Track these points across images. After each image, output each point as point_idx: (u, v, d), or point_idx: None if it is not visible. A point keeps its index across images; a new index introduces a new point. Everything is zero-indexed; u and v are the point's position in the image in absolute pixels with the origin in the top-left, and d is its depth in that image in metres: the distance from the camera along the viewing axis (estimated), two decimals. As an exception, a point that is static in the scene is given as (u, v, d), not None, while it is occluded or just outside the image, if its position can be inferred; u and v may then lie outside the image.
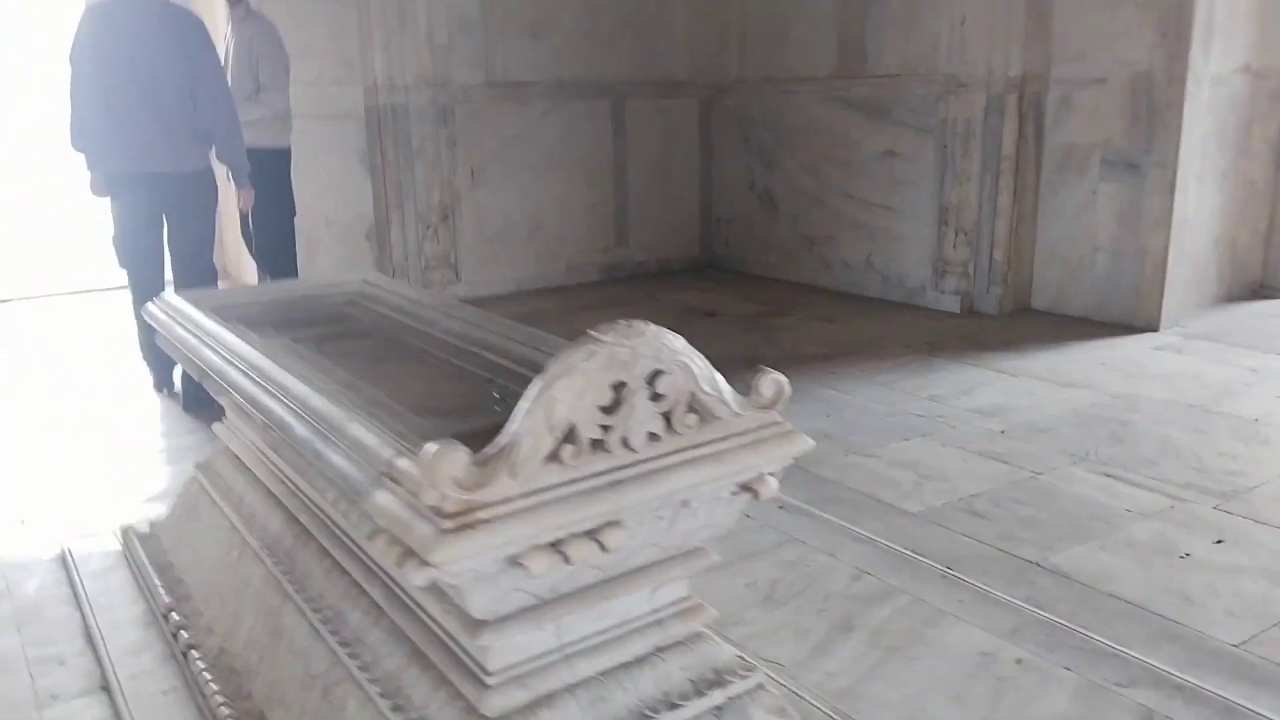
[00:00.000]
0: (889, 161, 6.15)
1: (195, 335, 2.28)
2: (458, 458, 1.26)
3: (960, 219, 5.79)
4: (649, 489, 1.41)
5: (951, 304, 5.88)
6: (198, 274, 4.24)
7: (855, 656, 2.29)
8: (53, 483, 3.46)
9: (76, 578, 2.66)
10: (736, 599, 2.54)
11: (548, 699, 1.52)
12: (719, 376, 1.52)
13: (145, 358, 4.43)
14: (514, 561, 1.32)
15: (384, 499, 1.35)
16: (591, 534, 1.38)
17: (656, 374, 1.41)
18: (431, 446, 1.26)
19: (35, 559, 2.83)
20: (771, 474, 1.59)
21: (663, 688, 1.61)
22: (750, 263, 7.27)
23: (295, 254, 5.74)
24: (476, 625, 1.43)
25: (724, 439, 1.51)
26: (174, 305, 2.51)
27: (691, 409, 1.47)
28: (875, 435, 3.79)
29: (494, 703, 1.47)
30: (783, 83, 6.77)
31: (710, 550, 1.68)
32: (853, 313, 5.95)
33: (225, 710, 1.97)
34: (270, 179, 5.29)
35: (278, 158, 5.44)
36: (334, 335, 2.42)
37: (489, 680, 1.48)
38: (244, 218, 5.36)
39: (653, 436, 1.43)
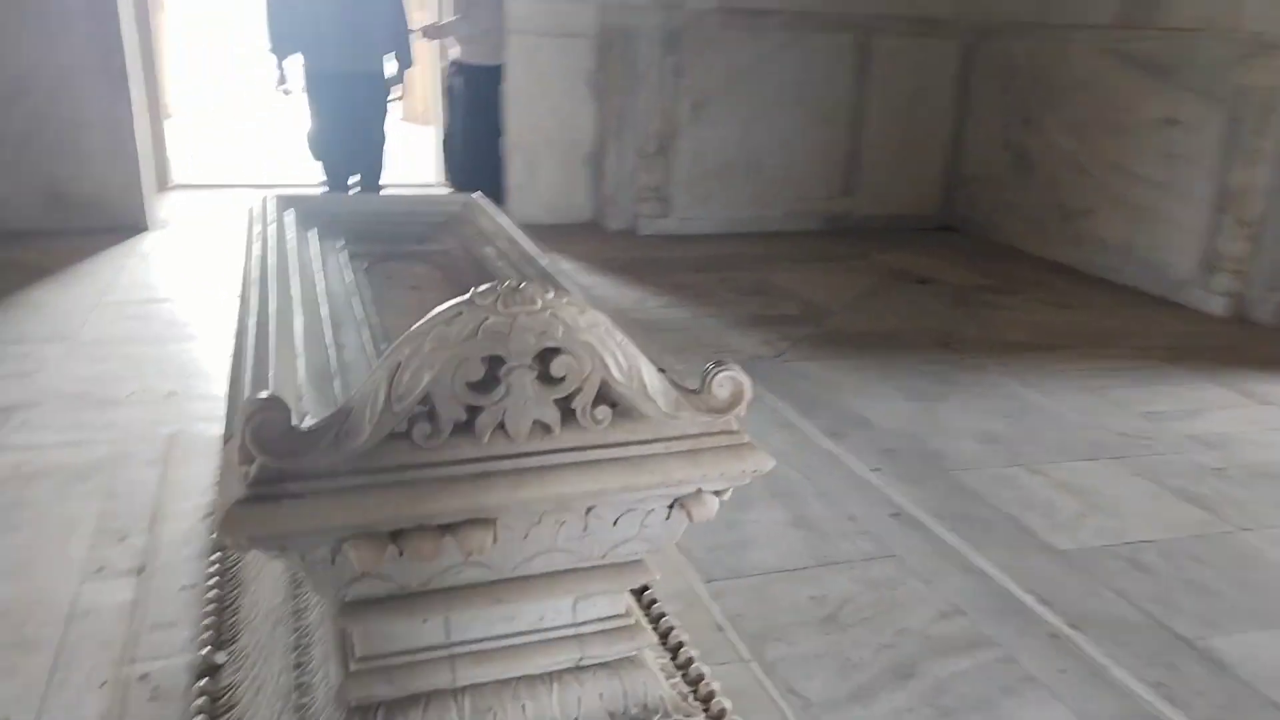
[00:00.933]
0: (1167, 131, 5.24)
1: (262, 234, 2.23)
2: (272, 418, 1.07)
3: (1243, 207, 4.84)
4: (529, 489, 1.16)
5: (1217, 305, 4.97)
6: (375, 165, 5.01)
7: (897, 712, 1.92)
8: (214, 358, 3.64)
9: (171, 458, 2.78)
10: (791, 611, 2.21)
11: (422, 699, 1.32)
12: (649, 367, 1.23)
13: None
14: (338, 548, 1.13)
15: (228, 452, 1.19)
16: (448, 530, 1.15)
17: (551, 353, 1.14)
18: (255, 401, 1.08)
19: (156, 434, 2.98)
20: (715, 492, 1.28)
21: (570, 712, 1.38)
22: (992, 229, 6.54)
23: (498, 171, 5.78)
24: (338, 604, 1.26)
25: (648, 442, 1.22)
26: (271, 206, 2.49)
27: (604, 402, 1.19)
28: (1053, 449, 3.23)
29: (350, 690, 1.30)
30: (1055, 29, 5.92)
31: (648, 567, 1.40)
32: (1093, 301, 5.18)
33: (212, 605, 1.95)
34: (480, 96, 5.37)
35: (488, 74, 5.49)
36: (392, 255, 2.30)
37: (350, 665, 1.31)
38: (448, 135, 5.55)
39: (543, 427, 1.17)
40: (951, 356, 4.06)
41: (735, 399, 1.26)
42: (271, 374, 1.33)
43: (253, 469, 1.07)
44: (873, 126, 6.61)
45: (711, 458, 1.25)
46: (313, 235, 2.33)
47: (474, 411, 1.14)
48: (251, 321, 1.60)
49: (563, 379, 1.16)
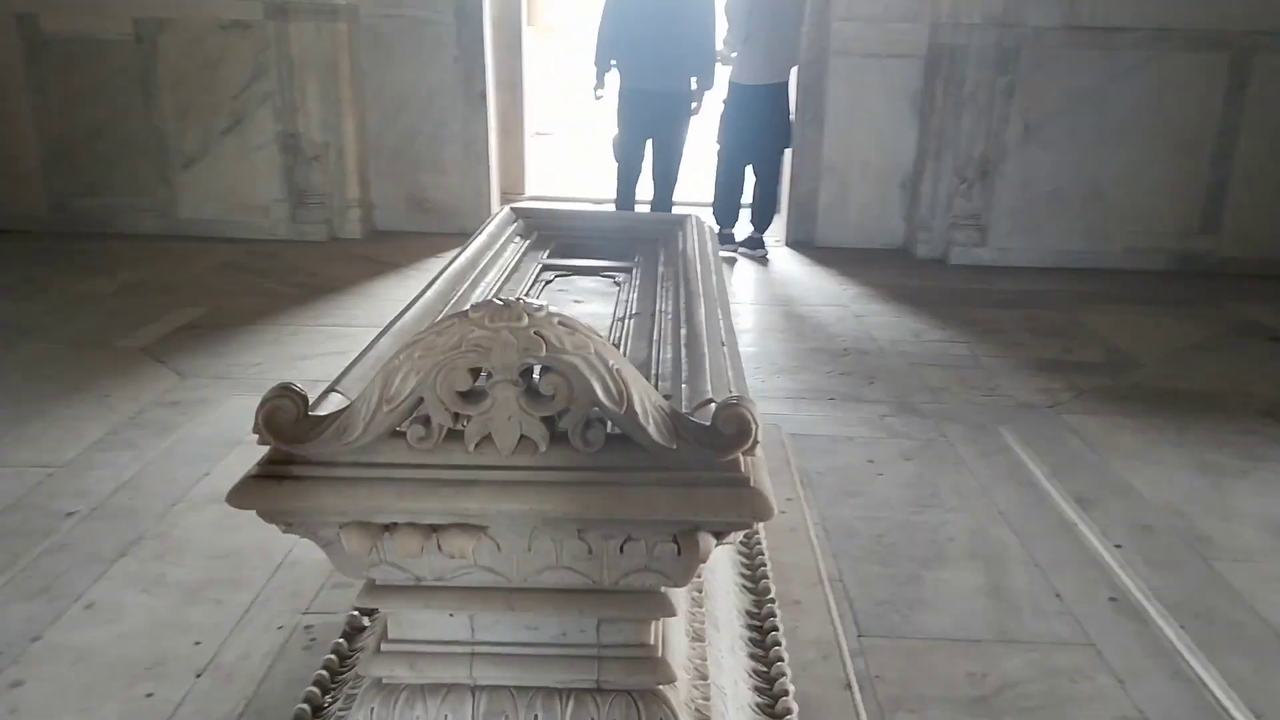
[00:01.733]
0: None
1: (477, 240, 2.43)
2: (286, 405, 1.19)
3: None
4: (511, 502, 1.19)
5: None
6: (671, 177, 5.48)
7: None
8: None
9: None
10: (939, 684, 2.02)
11: (442, 690, 1.40)
12: (648, 395, 1.20)
13: None
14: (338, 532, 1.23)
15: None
16: (436, 531, 1.21)
17: (543, 370, 1.16)
18: (274, 388, 1.21)
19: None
20: (714, 533, 1.23)
21: (580, 732, 1.38)
22: (1398, 283, 5.41)
23: (762, 190, 6.00)
24: (365, 582, 1.36)
25: (639, 471, 1.20)
26: (503, 215, 2.71)
27: (597, 424, 1.19)
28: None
29: (375, 668, 1.40)
30: None
31: (670, 600, 1.36)
32: None
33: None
34: (738, 114, 5.78)
35: (753, 93, 5.73)
36: (583, 270, 2.40)
37: (381, 645, 1.41)
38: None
39: (530, 443, 1.19)
40: (1275, 429, 3.43)
41: (740, 437, 1.19)
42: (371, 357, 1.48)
43: (267, 451, 1.20)
44: (1244, 157, 5.73)
45: (705, 496, 1.20)
46: (518, 244, 2.50)
47: (464, 420, 1.18)
48: (400, 310, 1.78)
49: (551, 397, 1.17)
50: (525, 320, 1.16)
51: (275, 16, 5.85)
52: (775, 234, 6.44)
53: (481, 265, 2.21)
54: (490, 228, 2.54)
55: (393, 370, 1.18)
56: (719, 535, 1.24)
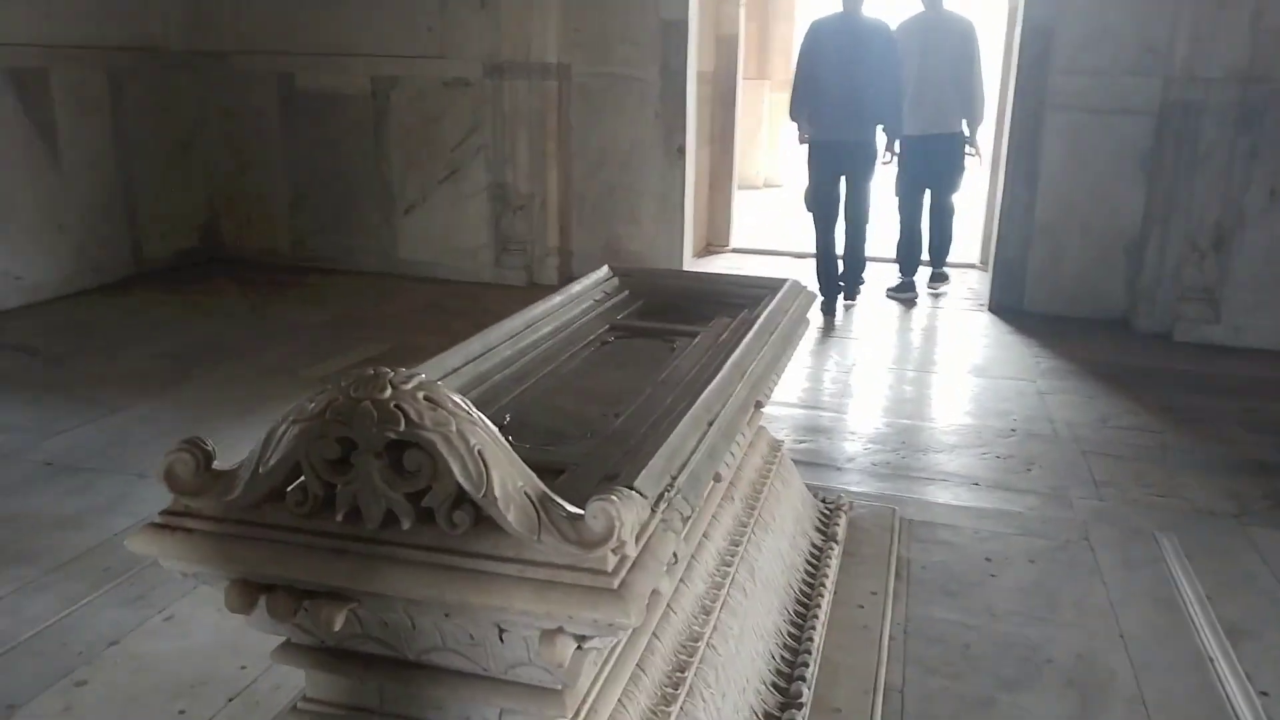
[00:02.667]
0: None
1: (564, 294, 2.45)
2: (186, 459, 1.24)
3: None
4: (374, 579, 1.17)
5: None
6: (860, 226, 5.66)
7: None
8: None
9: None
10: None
11: (344, 755, 1.39)
12: (517, 480, 1.14)
13: (819, 282, 5.65)
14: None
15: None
16: (308, 597, 1.21)
17: (403, 445, 1.13)
18: (180, 441, 1.26)
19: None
20: (578, 635, 1.14)
21: (468, 826, 1.32)
22: None
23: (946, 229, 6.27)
24: (280, 642, 1.38)
25: (502, 560, 1.14)
26: (603, 272, 2.72)
27: (467, 505, 1.14)
28: None
29: (295, 726, 1.41)
30: None
31: (565, 701, 1.27)
32: None
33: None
34: (907, 164, 5.92)
35: (946, 141, 5.93)
36: (648, 331, 2.34)
37: (298, 704, 1.42)
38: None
39: (392, 520, 1.16)
40: None
41: (606, 535, 1.10)
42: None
43: (170, 502, 1.25)
44: None
45: (561, 595, 1.11)
46: (600, 303, 2.49)
47: (329, 488, 1.18)
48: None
49: (415, 473, 1.14)
50: (388, 392, 1.14)
51: (492, 75, 6.24)
52: (979, 297, 6.05)
53: (537, 322, 2.21)
54: (576, 287, 2.55)
55: (272, 434, 1.19)
56: (581, 639, 1.15)
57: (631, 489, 1.23)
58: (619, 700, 1.51)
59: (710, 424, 1.63)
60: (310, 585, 1.20)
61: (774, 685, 2.03)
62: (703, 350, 2.16)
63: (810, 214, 5.67)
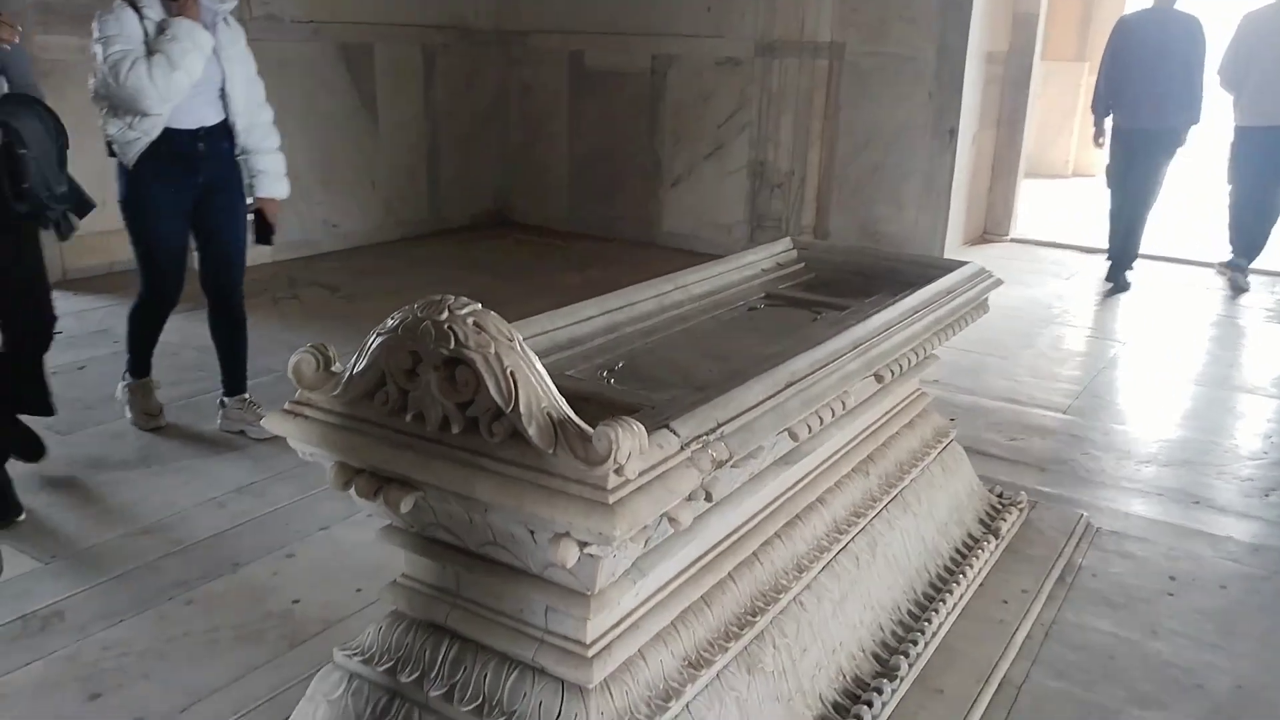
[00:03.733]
0: None
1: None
2: (309, 359, 1.51)
3: None
4: (428, 471, 1.38)
5: None
6: (1142, 208, 5.73)
7: None
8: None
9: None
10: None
11: (420, 627, 1.62)
12: (544, 400, 1.30)
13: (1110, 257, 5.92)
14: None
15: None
16: (387, 482, 1.44)
17: (455, 361, 1.33)
18: (306, 346, 1.53)
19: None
20: (582, 541, 1.28)
21: (513, 704, 1.51)
22: None
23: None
24: (383, 526, 1.64)
25: (526, 469, 1.31)
26: (785, 244, 2.80)
27: (502, 419, 1.32)
28: None
29: (388, 596, 1.66)
30: None
31: (594, 604, 1.42)
32: None
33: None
34: (1241, 159, 5.72)
35: (1254, 136, 5.60)
36: (799, 301, 2.39)
37: (397, 579, 1.67)
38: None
39: (448, 424, 1.36)
40: None
41: (605, 454, 1.23)
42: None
43: (297, 394, 1.53)
44: None
45: (565, 503, 1.25)
46: (770, 273, 2.57)
47: (403, 394, 1.40)
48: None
49: (464, 385, 1.33)
50: (445, 315, 1.33)
51: (764, 53, 6.35)
52: (1282, 308, 5.36)
53: (689, 284, 2.34)
54: (750, 256, 2.65)
55: (365, 343, 1.43)
56: (583, 545, 1.29)
57: (659, 426, 1.36)
58: (672, 622, 1.64)
59: (790, 385, 1.69)
60: (387, 472, 1.43)
61: (875, 655, 2.05)
62: (839, 322, 2.19)
63: (1109, 190, 5.90)
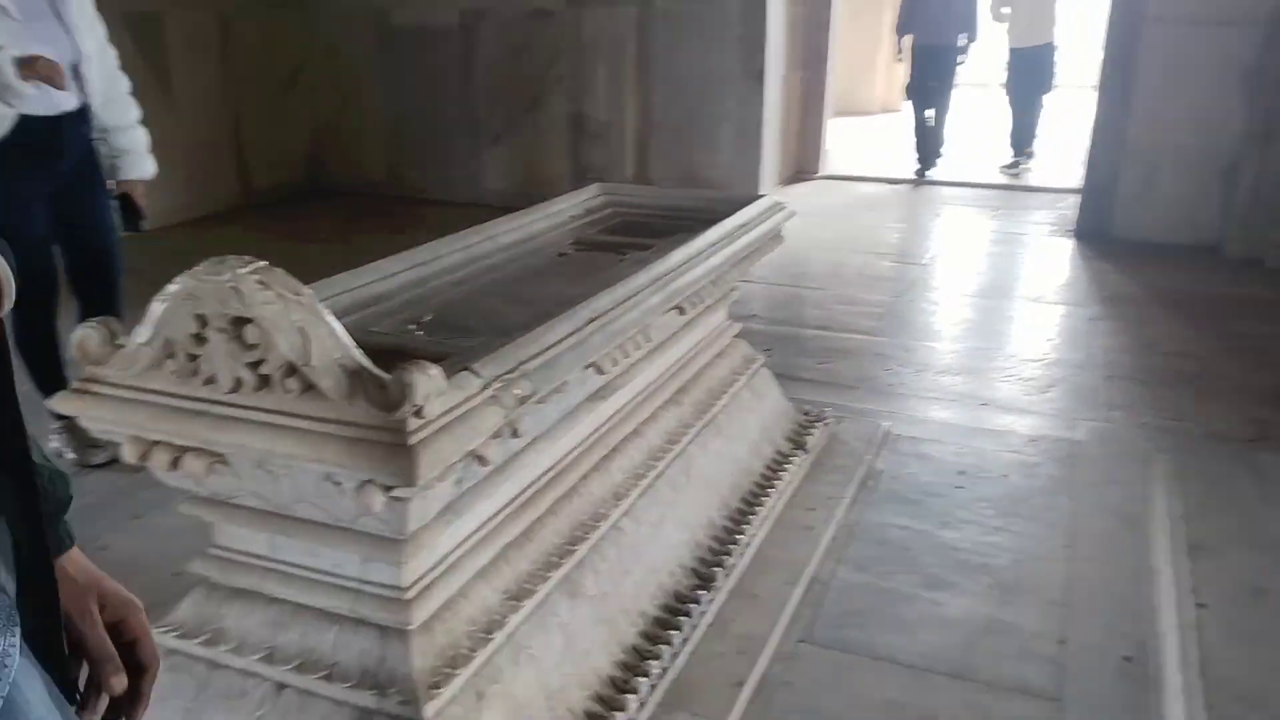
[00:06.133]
0: None
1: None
2: (92, 334, 1.48)
3: None
4: (226, 434, 1.38)
5: None
6: (941, 113, 7.32)
7: None
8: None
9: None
10: (857, 708, 1.89)
11: (234, 595, 1.63)
12: (338, 351, 1.33)
13: (917, 154, 7.43)
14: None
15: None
16: (184, 452, 1.44)
17: (243, 321, 1.34)
18: (91, 320, 1.50)
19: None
20: (386, 486, 1.33)
21: (337, 654, 1.55)
22: None
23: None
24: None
25: (323, 420, 1.34)
26: (591, 190, 2.86)
27: (295, 375, 1.34)
28: None
29: (198, 567, 1.66)
30: None
31: (408, 548, 1.47)
32: None
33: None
34: (1025, 70, 7.21)
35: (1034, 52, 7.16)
36: (604, 245, 2.48)
37: (208, 549, 1.67)
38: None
39: (240, 383, 1.37)
40: None
41: (400, 398, 1.28)
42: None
43: (82, 370, 1.50)
44: None
45: (365, 451, 1.30)
46: (579, 219, 2.64)
47: (191, 359, 1.40)
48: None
49: (255, 345, 1.34)
50: (227, 275, 1.34)
51: (574, 4, 6.36)
52: (1069, 223, 5.81)
53: (498, 234, 2.39)
54: (557, 204, 2.71)
55: (153, 312, 1.42)
56: (387, 489, 1.34)
57: (461, 368, 1.42)
58: (494, 558, 1.71)
59: (592, 321, 1.77)
60: (183, 442, 1.43)
61: (694, 570, 2.18)
62: (641, 261, 2.28)
63: (910, 100, 7.43)
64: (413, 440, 1.30)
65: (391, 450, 1.30)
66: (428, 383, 1.31)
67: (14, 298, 0.78)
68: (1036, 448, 2.95)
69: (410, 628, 1.52)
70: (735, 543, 2.28)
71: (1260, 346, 3.84)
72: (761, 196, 2.73)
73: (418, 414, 1.31)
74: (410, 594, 1.53)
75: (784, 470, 2.63)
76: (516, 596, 1.72)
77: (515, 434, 1.56)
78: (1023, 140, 7.57)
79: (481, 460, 1.47)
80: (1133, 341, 3.93)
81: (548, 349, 1.63)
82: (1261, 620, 2.15)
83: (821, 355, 3.78)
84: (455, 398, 1.40)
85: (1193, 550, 2.41)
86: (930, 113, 7.30)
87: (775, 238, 2.66)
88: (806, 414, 2.98)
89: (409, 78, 6.87)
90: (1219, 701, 1.89)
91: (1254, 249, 5.08)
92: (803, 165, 7.69)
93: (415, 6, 6.73)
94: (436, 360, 1.54)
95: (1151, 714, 1.86)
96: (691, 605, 2.05)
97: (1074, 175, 6.87)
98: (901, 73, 8.30)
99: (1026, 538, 2.46)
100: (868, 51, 10.99)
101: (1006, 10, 7.21)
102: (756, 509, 2.42)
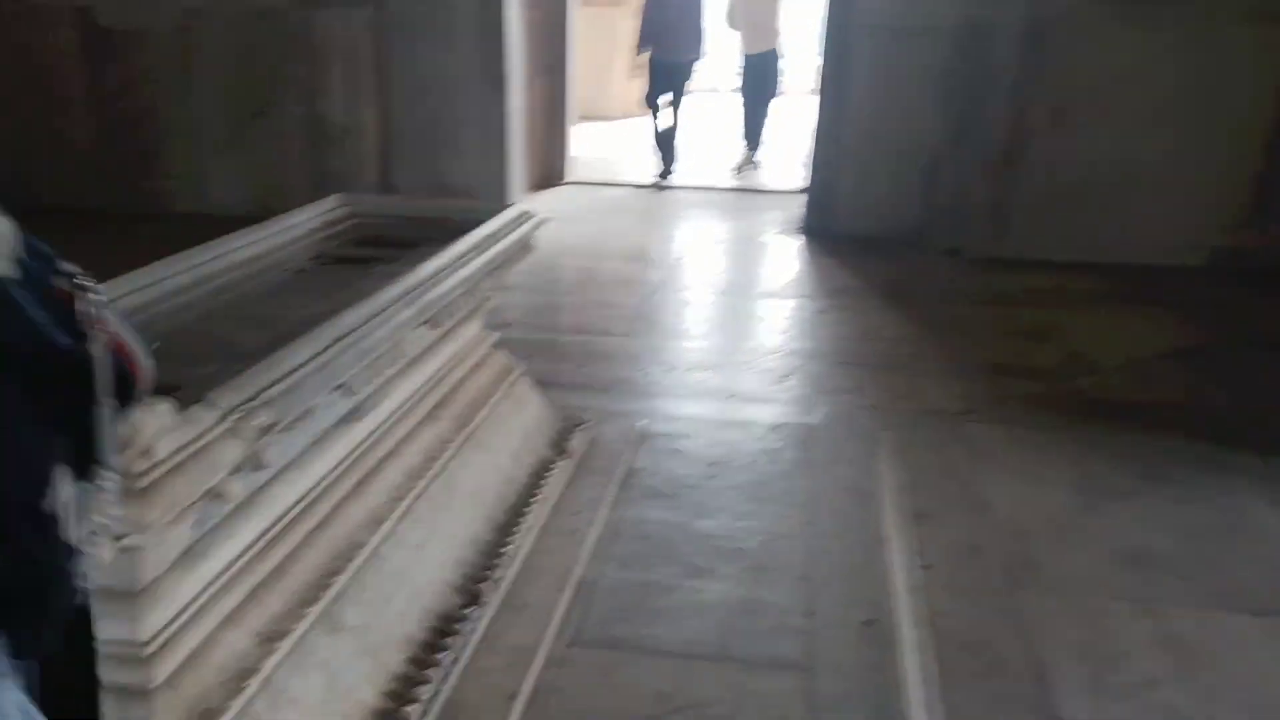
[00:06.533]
0: None
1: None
2: None
3: None
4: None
5: None
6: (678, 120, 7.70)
7: None
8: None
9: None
10: (624, 702, 1.94)
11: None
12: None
13: (660, 156, 7.74)
14: None
15: None
16: None
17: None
18: None
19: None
20: (117, 535, 1.23)
21: None
22: None
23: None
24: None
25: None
26: (334, 201, 2.76)
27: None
28: (1213, 591, 2.37)
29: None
30: None
31: (143, 600, 1.37)
32: None
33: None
34: (756, 73, 7.78)
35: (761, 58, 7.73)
36: (347, 258, 2.42)
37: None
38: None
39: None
40: (1220, 454, 3.07)
41: (124, 439, 1.19)
42: None
43: None
44: (1303, 142, 5.16)
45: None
46: (322, 233, 2.54)
47: None
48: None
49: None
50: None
51: (304, 5, 6.08)
52: (799, 221, 6.21)
53: (231, 252, 2.25)
54: (295, 217, 2.59)
55: None
56: (118, 538, 1.24)
57: (194, 401, 1.33)
58: (244, 600, 1.62)
59: (338, 341, 1.72)
60: None
61: (463, 588, 2.17)
62: (390, 275, 2.23)
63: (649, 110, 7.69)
64: (141, 484, 1.22)
65: (124, 496, 1.20)
66: (155, 420, 1.23)
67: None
68: (778, 434, 3.16)
69: (152, 686, 1.42)
70: (502, 555, 2.28)
71: (964, 328, 4.28)
72: (511, 205, 2.74)
73: (145, 455, 1.23)
74: (150, 649, 1.43)
75: (548, 477, 2.66)
76: (271, 638, 1.64)
77: (259, 466, 1.49)
78: (754, 139, 8.20)
79: (222, 498, 1.39)
80: (857, 330, 4.27)
81: (290, 373, 1.57)
82: (977, 575, 2.41)
83: (579, 359, 3.84)
84: (188, 434, 1.32)
85: (917, 517, 2.66)
86: (667, 121, 7.73)
87: (526, 246, 2.69)
88: (568, 419, 3.03)
89: (123, 82, 6.32)
90: (947, 652, 2.10)
91: (954, 241, 5.66)
92: (550, 171, 7.76)
93: (126, 6, 6.20)
94: (165, 393, 1.45)
95: (891, 671, 2.04)
96: (460, 624, 2.03)
97: (801, 177, 7.41)
98: (640, 83, 8.58)
99: (773, 519, 2.63)
100: (606, 58, 11.25)
101: (738, 20, 7.78)
102: (522, 519, 2.44)
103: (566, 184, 7.74)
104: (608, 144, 9.56)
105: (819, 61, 6.07)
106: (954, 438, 3.16)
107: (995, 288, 4.94)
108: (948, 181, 5.70)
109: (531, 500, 2.53)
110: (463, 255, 2.30)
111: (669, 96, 7.61)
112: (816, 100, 6.14)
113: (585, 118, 9.51)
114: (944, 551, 2.50)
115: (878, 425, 3.23)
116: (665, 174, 7.72)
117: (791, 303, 4.67)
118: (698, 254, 5.67)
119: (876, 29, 5.75)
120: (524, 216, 2.74)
